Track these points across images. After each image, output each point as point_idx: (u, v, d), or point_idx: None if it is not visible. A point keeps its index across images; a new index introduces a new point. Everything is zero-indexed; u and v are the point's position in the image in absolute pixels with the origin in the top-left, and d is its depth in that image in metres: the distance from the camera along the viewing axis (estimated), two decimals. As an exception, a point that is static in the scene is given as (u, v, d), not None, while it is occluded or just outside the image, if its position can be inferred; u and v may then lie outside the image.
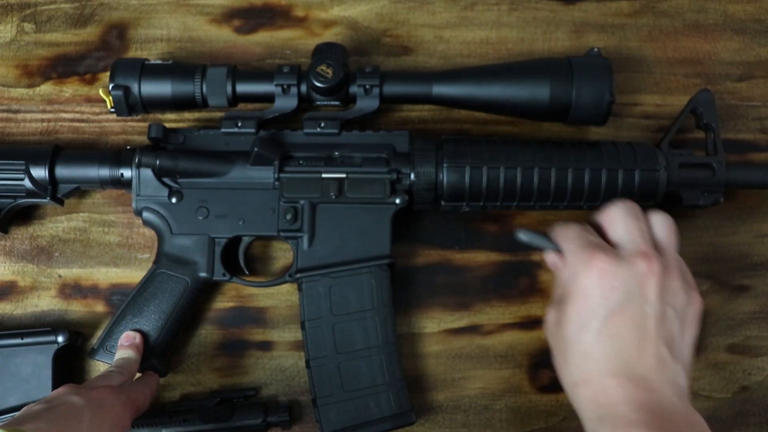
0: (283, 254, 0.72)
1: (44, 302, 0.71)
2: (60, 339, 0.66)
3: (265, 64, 0.75)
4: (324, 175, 0.66)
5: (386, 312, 0.65)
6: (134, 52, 0.75)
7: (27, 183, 0.66)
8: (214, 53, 0.75)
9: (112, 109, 0.67)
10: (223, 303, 0.71)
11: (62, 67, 0.75)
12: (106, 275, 0.72)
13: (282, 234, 0.66)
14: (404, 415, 0.64)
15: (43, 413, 0.52)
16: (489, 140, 0.67)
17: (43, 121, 0.74)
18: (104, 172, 0.67)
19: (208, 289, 0.70)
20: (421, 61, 0.75)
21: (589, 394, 0.52)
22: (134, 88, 0.66)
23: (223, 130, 0.67)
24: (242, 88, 0.67)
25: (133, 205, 0.67)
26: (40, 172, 0.67)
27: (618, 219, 0.57)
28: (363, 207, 0.66)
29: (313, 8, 0.77)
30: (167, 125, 0.68)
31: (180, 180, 0.67)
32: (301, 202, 0.66)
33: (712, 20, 0.77)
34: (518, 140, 0.67)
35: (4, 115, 0.74)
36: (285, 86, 0.66)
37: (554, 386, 0.66)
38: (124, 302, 0.67)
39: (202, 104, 0.67)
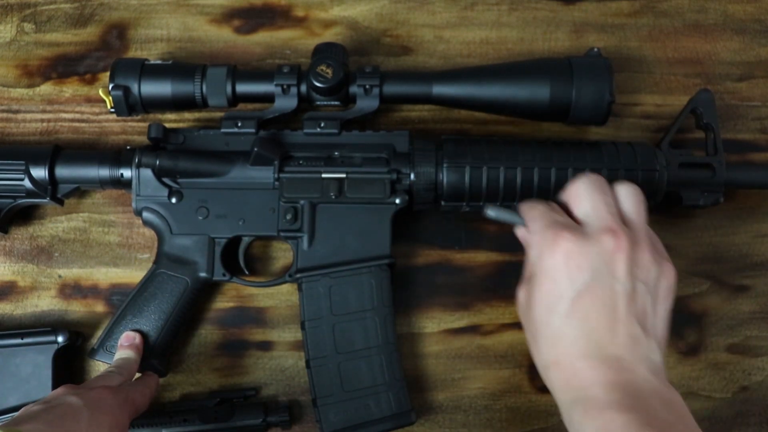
0: (283, 254, 0.72)
1: (44, 302, 0.71)
2: (60, 339, 0.66)
3: (265, 64, 0.75)
4: (324, 175, 0.66)
5: (386, 312, 0.65)
6: (134, 52, 0.75)
7: (27, 183, 0.66)
8: (214, 53, 0.75)
9: (112, 109, 0.67)
10: (223, 303, 0.71)
11: (62, 67, 0.75)
12: (106, 275, 0.72)
13: (282, 234, 0.66)
14: (404, 415, 0.64)
15: (41, 414, 0.52)
16: (489, 140, 0.67)
17: (43, 121, 0.74)
18: (104, 172, 0.67)
19: (208, 289, 0.70)
20: (421, 61, 0.75)
21: (561, 377, 0.51)
22: (134, 88, 0.66)
23: (223, 130, 0.67)
24: (242, 88, 0.67)
25: (133, 205, 0.67)
26: (40, 172, 0.67)
27: (583, 194, 0.55)
28: (363, 207, 0.66)
29: (313, 8, 0.77)
30: (167, 125, 0.68)
31: (180, 180, 0.67)
32: (301, 202, 0.66)
33: (712, 20, 0.77)
34: (518, 140, 0.67)
35: (4, 115, 0.74)
36: (285, 86, 0.66)
37: (554, 386, 0.66)
38: (124, 302, 0.67)
39: (202, 104, 0.67)
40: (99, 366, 0.70)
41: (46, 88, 0.75)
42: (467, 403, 0.70)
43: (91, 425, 0.53)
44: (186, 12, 0.76)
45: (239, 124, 0.67)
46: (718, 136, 0.67)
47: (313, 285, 0.65)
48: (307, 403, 0.69)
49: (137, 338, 0.65)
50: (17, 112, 0.74)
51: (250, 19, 0.76)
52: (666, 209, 0.71)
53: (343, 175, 0.66)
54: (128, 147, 0.69)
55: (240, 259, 0.68)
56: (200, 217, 0.67)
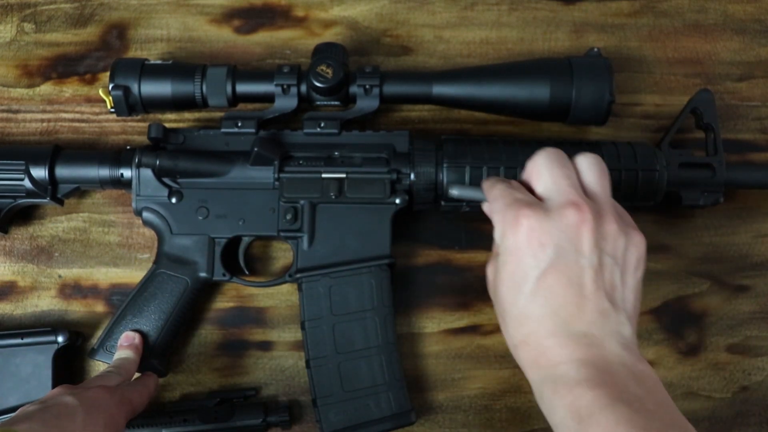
0: (283, 254, 0.72)
1: (44, 302, 0.71)
2: (60, 339, 0.66)
3: (265, 64, 0.75)
4: (324, 175, 0.66)
5: (386, 312, 0.65)
6: (134, 52, 0.75)
7: (27, 183, 0.66)
8: (214, 53, 0.75)
9: (112, 109, 0.67)
10: (223, 303, 0.71)
11: (62, 67, 0.75)
12: (106, 275, 0.72)
13: (282, 234, 0.66)
14: (404, 415, 0.64)
15: (36, 414, 0.52)
16: (489, 140, 0.67)
17: (43, 121, 0.74)
18: (104, 172, 0.67)
19: (208, 289, 0.70)
20: (421, 61, 0.75)
21: (530, 356, 0.50)
22: (134, 88, 0.66)
23: (223, 130, 0.67)
24: (242, 88, 0.67)
25: (133, 205, 0.67)
26: (40, 172, 0.67)
27: (542, 169, 0.53)
28: (363, 207, 0.66)
29: (313, 8, 0.77)
30: (167, 125, 0.68)
31: (180, 180, 0.67)
32: (301, 202, 0.66)
33: (712, 20, 0.77)
34: (518, 140, 0.67)
35: (4, 115, 0.74)
36: (285, 86, 0.66)
37: (554, 386, 0.66)
38: (124, 302, 0.67)
39: (202, 104, 0.67)
40: (99, 366, 0.70)
41: (46, 88, 0.75)
42: (467, 403, 0.70)
43: (87, 425, 0.53)
44: (186, 12, 0.76)
45: (239, 124, 0.67)
46: (718, 136, 0.67)
47: (313, 285, 0.65)
48: (307, 403, 0.69)
49: (137, 338, 0.65)
50: (17, 112, 0.74)
51: (250, 19, 0.76)
52: (666, 209, 0.71)
53: (343, 175, 0.66)
54: (128, 147, 0.69)
55: (240, 259, 0.68)
56: (200, 217, 0.67)
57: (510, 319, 0.51)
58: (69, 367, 0.70)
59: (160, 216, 0.67)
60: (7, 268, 0.72)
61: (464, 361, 0.70)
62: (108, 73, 0.67)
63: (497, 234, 0.53)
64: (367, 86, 0.66)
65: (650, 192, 0.65)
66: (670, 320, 0.71)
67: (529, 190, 0.54)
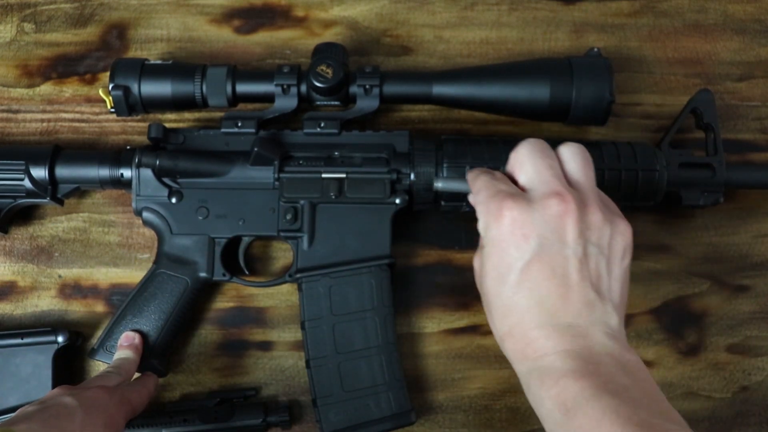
0: (283, 254, 0.72)
1: (44, 302, 0.71)
2: (60, 339, 0.66)
3: (265, 64, 0.75)
4: (324, 175, 0.66)
5: (386, 312, 0.65)
6: (134, 52, 0.75)
7: (27, 183, 0.66)
8: (214, 53, 0.75)
9: (112, 109, 0.67)
10: (223, 303, 0.71)
11: (62, 67, 0.75)
12: (106, 275, 0.72)
13: (282, 234, 0.66)
14: (404, 415, 0.64)
15: (35, 414, 0.52)
16: (489, 140, 0.67)
17: (43, 121, 0.74)
18: (104, 172, 0.67)
19: (208, 289, 0.70)
20: (421, 61, 0.75)
21: (516, 348, 0.50)
22: (134, 88, 0.66)
23: (223, 130, 0.67)
24: (242, 88, 0.67)
25: (133, 205, 0.67)
26: (40, 172, 0.67)
27: (525, 160, 0.53)
28: (363, 207, 0.66)
29: (313, 8, 0.77)
30: (167, 125, 0.68)
31: (180, 180, 0.67)
32: (301, 202, 0.66)
33: (712, 20, 0.77)
34: (518, 140, 0.66)
35: (4, 115, 0.74)
36: (285, 86, 0.66)
37: (554, 386, 0.66)
38: (124, 302, 0.67)
39: (202, 104, 0.67)
40: (99, 366, 0.70)
41: (46, 88, 0.75)
42: (467, 403, 0.70)
43: (86, 425, 0.53)
44: (186, 12, 0.76)
45: (239, 124, 0.67)
46: (718, 136, 0.67)
47: (313, 285, 0.65)
48: (307, 403, 0.69)
49: (137, 338, 0.65)
50: (17, 112, 0.74)
51: (250, 19, 0.76)
52: (666, 209, 0.71)
53: (343, 175, 0.66)
54: (128, 147, 0.69)
55: (240, 259, 0.68)
56: (200, 217, 0.67)
57: (495, 311, 0.51)
58: (69, 367, 0.70)
59: (160, 216, 0.67)
60: (7, 268, 0.72)
61: (464, 361, 0.70)
62: (108, 73, 0.67)
63: (481, 226, 0.53)
64: (367, 86, 0.66)
65: (650, 192, 0.65)
66: (670, 320, 0.71)
67: (513, 181, 0.54)
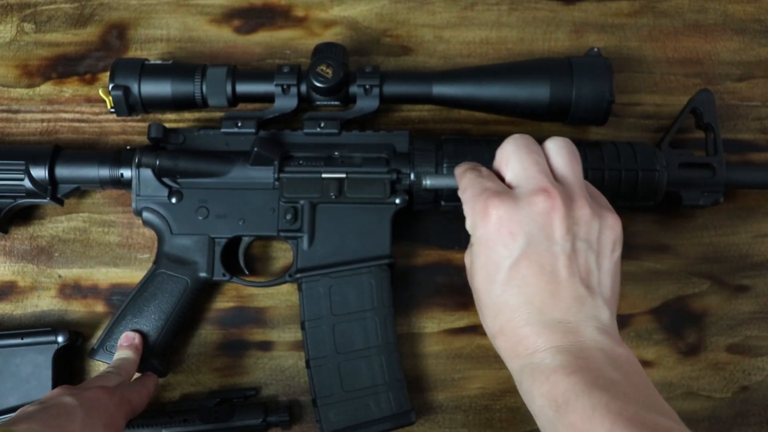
0: (283, 254, 0.72)
1: (44, 302, 0.71)
2: (60, 339, 0.66)
3: (265, 64, 0.75)
4: (324, 175, 0.66)
5: (386, 312, 0.65)
6: (134, 52, 0.75)
7: (27, 183, 0.66)
8: (214, 53, 0.75)
9: (112, 109, 0.67)
10: (223, 303, 0.71)
11: (62, 67, 0.75)
12: (106, 275, 0.72)
13: (282, 234, 0.66)
14: (404, 415, 0.64)
15: (35, 414, 0.52)
16: (489, 140, 0.67)
17: (43, 121, 0.74)
18: (104, 172, 0.67)
19: (208, 289, 0.70)
20: (421, 61, 0.75)
21: (508, 345, 0.50)
22: (134, 88, 0.66)
23: (223, 130, 0.67)
24: (242, 88, 0.67)
25: (133, 205, 0.67)
26: (40, 172, 0.67)
27: (510, 156, 0.52)
28: (363, 207, 0.66)
29: (313, 8, 0.77)
30: (167, 125, 0.68)
31: (180, 180, 0.67)
32: (301, 202, 0.66)
33: (712, 20, 0.77)
34: (518, 140, 0.66)
35: (4, 115, 0.74)
36: (285, 86, 0.66)
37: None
38: (124, 302, 0.67)
39: (202, 104, 0.67)
40: (99, 366, 0.70)
41: (46, 88, 0.75)
42: (467, 403, 0.70)
43: (86, 425, 0.53)
44: (186, 12, 0.76)
45: (239, 124, 0.67)
46: (718, 136, 0.67)
47: (313, 285, 0.65)
48: (307, 403, 0.69)
49: (137, 338, 0.65)
50: (17, 112, 0.74)
51: (250, 19, 0.76)
52: (666, 209, 0.71)
53: (343, 175, 0.66)
54: (128, 147, 0.69)
55: (240, 259, 0.68)
56: (200, 217, 0.67)
57: (486, 309, 0.51)
58: (69, 367, 0.70)
59: (160, 216, 0.67)
60: (7, 268, 0.72)
61: (464, 361, 0.70)
62: (108, 73, 0.67)
63: (468, 224, 0.53)
64: (367, 86, 0.66)
65: (650, 192, 0.65)
66: (670, 320, 0.71)
67: (500, 177, 0.54)
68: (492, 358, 0.70)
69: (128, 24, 0.76)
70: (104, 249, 0.72)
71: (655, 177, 0.65)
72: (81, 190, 0.70)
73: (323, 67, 0.65)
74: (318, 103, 0.67)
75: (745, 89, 0.75)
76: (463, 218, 0.71)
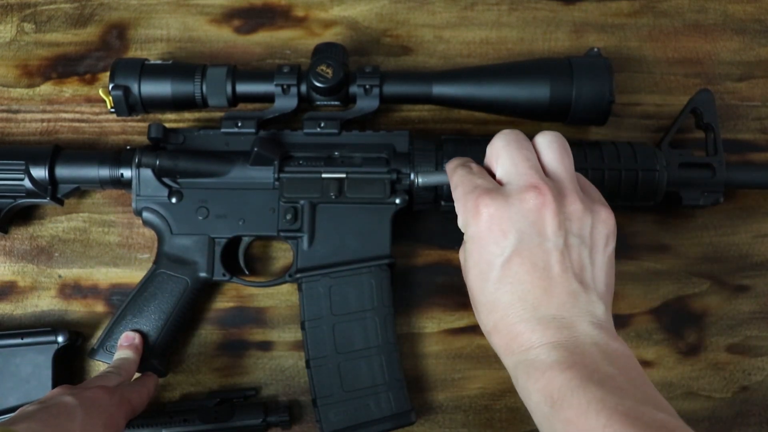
0: (283, 254, 0.72)
1: (44, 302, 0.71)
2: (60, 339, 0.66)
3: (265, 64, 0.75)
4: (324, 175, 0.66)
5: (386, 312, 0.65)
6: (134, 52, 0.75)
7: (27, 183, 0.66)
8: (214, 53, 0.75)
9: (112, 109, 0.67)
10: (223, 303, 0.71)
11: (62, 67, 0.75)
12: (106, 275, 0.72)
13: (282, 234, 0.66)
14: (404, 415, 0.64)
15: (35, 413, 0.52)
16: (489, 140, 0.66)
17: (43, 121, 0.74)
18: (104, 172, 0.67)
19: (208, 289, 0.70)
20: (421, 61, 0.75)
21: (503, 342, 0.49)
22: (134, 88, 0.66)
23: (223, 130, 0.67)
24: (242, 88, 0.67)
25: (133, 205, 0.67)
26: (40, 172, 0.67)
27: (500, 152, 0.52)
28: (363, 207, 0.66)
29: (313, 8, 0.77)
30: (167, 125, 0.68)
31: (180, 180, 0.67)
32: (301, 202, 0.66)
33: (712, 20, 0.77)
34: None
35: (4, 115, 0.74)
36: (285, 86, 0.66)
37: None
38: (124, 302, 0.67)
39: (202, 104, 0.67)
40: (99, 366, 0.70)
41: (46, 88, 0.75)
42: (467, 403, 0.70)
43: (86, 425, 0.53)
44: (186, 12, 0.76)
45: (239, 124, 0.67)
46: (718, 136, 0.67)
47: (313, 285, 0.65)
48: (307, 403, 0.69)
49: (137, 338, 0.65)
50: (17, 112, 0.74)
51: (250, 19, 0.76)
52: (666, 209, 0.71)
53: (343, 175, 0.66)
54: (128, 147, 0.69)
55: (240, 259, 0.68)
56: (200, 217, 0.67)
57: (480, 306, 0.51)
58: (69, 367, 0.70)
59: (160, 216, 0.67)
60: (7, 268, 0.72)
61: (464, 361, 0.70)
62: (108, 73, 0.67)
63: (460, 222, 0.53)
64: (367, 86, 0.66)
65: (650, 192, 0.65)
66: (670, 320, 0.71)
67: (491, 173, 0.53)
68: (492, 358, 0.70)
69: (128, 24, 0.76)
70: (104, 249, 0.72)
71: (655, 177, 0.65)
72: (81, 190, 0.70)
73: (323, 67, 0.65)
74: (318, 103, 0.67)
75: (745, 89, 0.75)
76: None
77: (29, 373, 0.66)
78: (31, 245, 0.72)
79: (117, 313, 0.67)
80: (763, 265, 0.72)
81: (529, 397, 0.48)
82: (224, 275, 0.67)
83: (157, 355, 0.66)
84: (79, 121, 0.74)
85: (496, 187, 0.51)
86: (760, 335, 0.71)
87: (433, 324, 0.71)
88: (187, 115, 0.73)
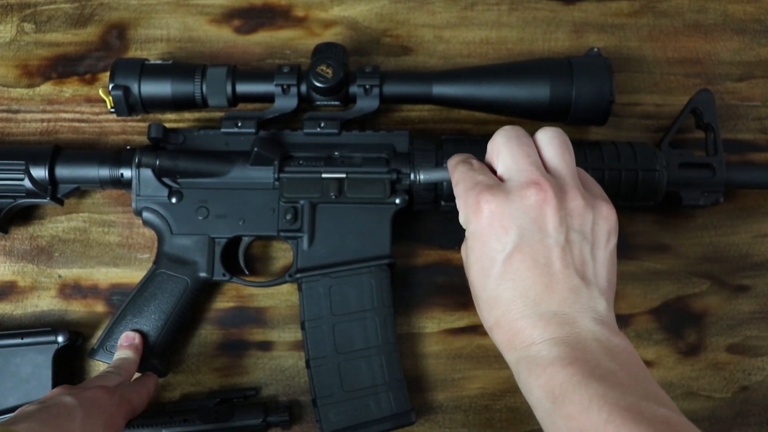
0: (283, 254, 0.72)
1: (44, 302, 0.71)
2: (60, 339, 0.66)
3: (265, 64, 0.75)
4: (324, 175, 0.66)
5: (386, 312, 0.65)
6: (134, 52, 0.75)
7: (27, 183, 0.66)
8: (214, 53, 0.75)
9: (112, 109, 0.67)
10: (223, 303, 0.71)
11: (62, 67, 0.75)
12: (106, 275, 0.72)
13: (282, 234, 0.66)
14: (404, 415, 0.64)
15: (35, 413, 0.52)
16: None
17: (43, 121, 0.74)
18: (104, 172, 0.67)
19: (208, 289, 0.70)
20: (421, 61, 0.75)
21: (505, 338, 0.50)
22: (134, 88, 0.66)
23: (223, 130, 0.67)
24: (242, 88, 0.67)
25: (133, 205, 0.67)
26: (40, 172, 0.67)
27: (501, 148, 0.52)
28: (363, 207, 0.66)
29: (313, 8, 0.77)
30: (167, 125, 0.68)
31: (180, 180, 0.67)
32: (301, 202, 0.66)
33: (712, 20, 0.77)
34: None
35: (4, 115, 0.74)
36: (285, 86, 0.66)
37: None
38: (124, 302, 0.67)
39: (202, 104, 0.67)
40: (99, 366, 0.70)
41: (46, 88, 0.75)
42: (467, 403, 0.70)
43: (86, 425, 0.53)
44: (186, 12, 0.76)
45: (239, 124, 0.67)
46: (718, 136, 0.67)
47: (313, 285, 0.65)
48: (307, 403, 0.69)
49: (137, 338, 0.65)
50: (17, 112, 0.74)
51: (250, 19, 0.76)
52: (666, 209, 0.71)
53: (343, 175, 0.66)
54: (128, 147, 0.69)
55: (240, 259, 0.68)
56: (200, 217, 0.67)
57: (482, 303, 0.51)
58: (69, 367, 0.70)
59: (160, 216, 0.67)
60: (7, 268, 0.72)
61: (464, 361, 0.70)
62: (108, 73, 0.67)
63: (462, 219, 0.53)
64: (367, 86, 0.66)
65: (650, 192, 0.65)
66: (670, 320, 0.71)
67: (492, 170, 0.54)
68: (492, 358, 0.70)
69: (128, 24, 0.76)
70: (104, 249, 0.72)
71: (655, 177, 0.65)
72: (81, 190, 0.70)
73: (323, 67, 0.65)
74: (318, 103, 0.67)
75: (745, 89, 0.75)
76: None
77: (29, 373, 0.66)
78: (31, 245, 0.72)
79: (117, 313, 0.67)
80: (763, 265, 0.72)
81: (531, 393, 0.48)
82: (224, 275, 0.67)
83: (157, 355, 0.66)
84: (79, 121, 0.74)
85: (497, 184, 0.51)
86: (760, 335, 0.71)
87: (433, 324, 0.71)
88: (187, 115, 0.73)
